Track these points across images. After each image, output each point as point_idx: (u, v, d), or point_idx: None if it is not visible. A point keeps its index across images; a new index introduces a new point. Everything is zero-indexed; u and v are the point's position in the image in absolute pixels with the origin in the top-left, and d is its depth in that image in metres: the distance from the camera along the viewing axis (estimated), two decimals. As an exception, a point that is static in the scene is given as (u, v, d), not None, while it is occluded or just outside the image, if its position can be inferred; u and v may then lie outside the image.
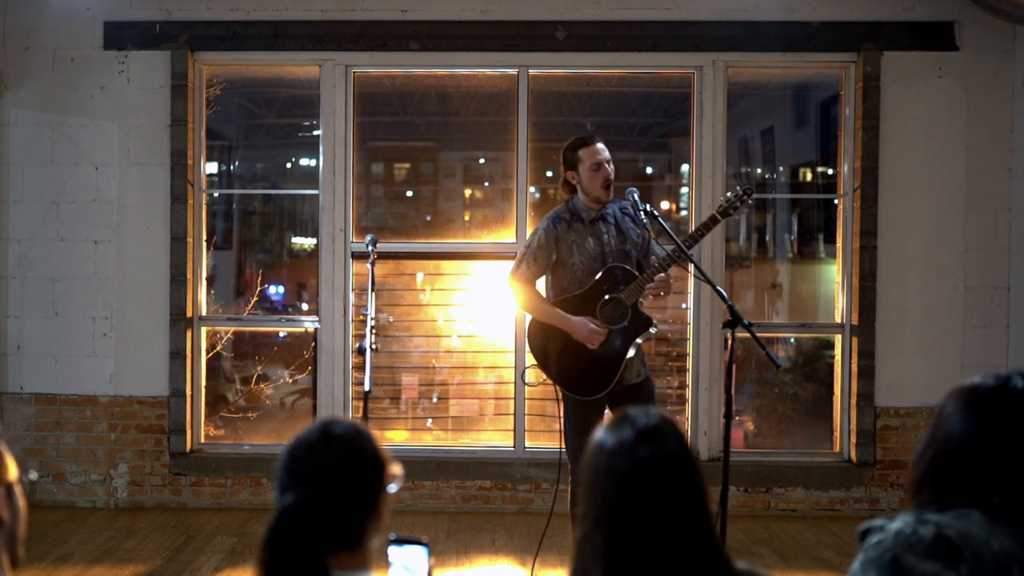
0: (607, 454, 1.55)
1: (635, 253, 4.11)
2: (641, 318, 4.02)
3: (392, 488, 1.68)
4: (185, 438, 5.65)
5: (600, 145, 4.07)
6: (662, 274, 3.95)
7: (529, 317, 4.23)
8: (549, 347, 4.05)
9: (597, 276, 4.01)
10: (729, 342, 4.16)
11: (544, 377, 4.14)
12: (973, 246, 5.58)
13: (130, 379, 5.65)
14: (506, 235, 5.84)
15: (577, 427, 3.98)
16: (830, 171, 6.03)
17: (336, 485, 1.61)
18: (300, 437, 1.68)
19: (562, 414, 4.10)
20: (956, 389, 1.57)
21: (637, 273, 4.01)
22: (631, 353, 4.02)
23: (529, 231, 5.73)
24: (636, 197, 4.13)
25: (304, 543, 1.56)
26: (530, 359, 4.29)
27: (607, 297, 4.00)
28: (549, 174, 6.54)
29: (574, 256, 4.05)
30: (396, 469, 1.70)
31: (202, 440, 5.79)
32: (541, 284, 4.27)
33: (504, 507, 5.61)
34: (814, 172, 6.50)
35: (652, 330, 4.04)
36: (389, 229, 6.39)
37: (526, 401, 5.73)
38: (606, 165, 4.05)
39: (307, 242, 6.81)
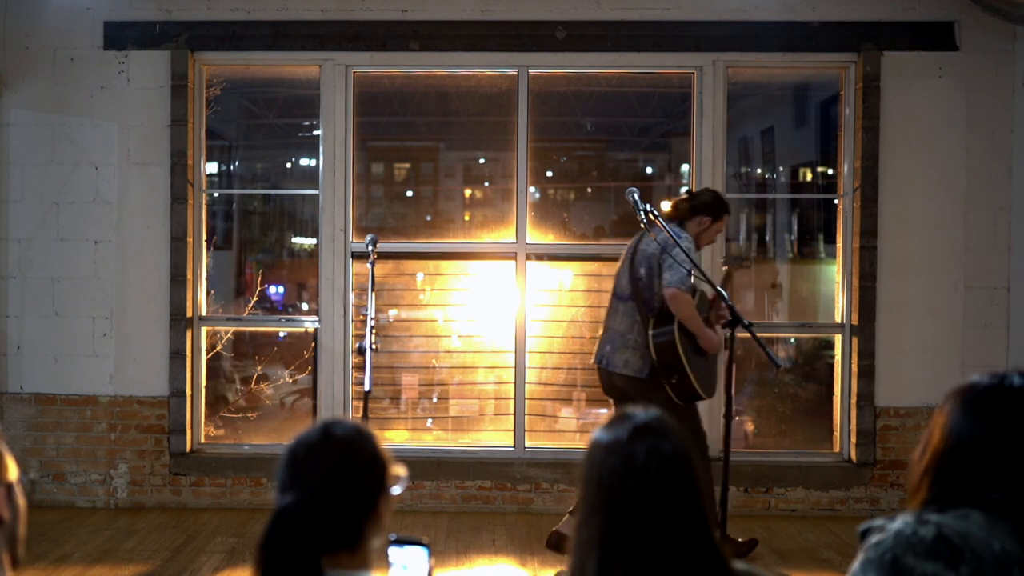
0: (603, 449, 1.57)
1: None
2: None
3: (395, 490, 1.68)
4: (185, 438, 5.65)
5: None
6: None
7: (661, 325, 4.37)
8: (689, 348, 4.35)
9: (696, 296, 4.46)
10: (729, 342, 4.18)
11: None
12: (973, 246, 5.58)
13: (130, 379, 5.65)
14: (506, 235, 5.84)
15: (693, 422, 4.45)
16: (830, 171, 6.03)
17: (335, 485, 1.61)
18: (301, 437, 1.68)
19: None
20: (954, 389, 1.58)
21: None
22: None
23: (530, 231, 5.74)
24: (636, 197, 4.14)
25: (300, 544, 1.56)
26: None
27: (704, 316, 4.45)
28: (549, 174, 6.54)
29: None
30: (399, 471, 1.70)
31: (202, 440, 5.79)
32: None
33: (504, 507, 5.61)
34: (814, 172, 6.50)
35: None
36: (389, 229, 6.40)
37: (526, 401, 5.73)
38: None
39: (307, 242, 6.81)
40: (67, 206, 5.65)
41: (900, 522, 1.48)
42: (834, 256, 5.87)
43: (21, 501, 1.91)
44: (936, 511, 1.49)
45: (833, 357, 5.86)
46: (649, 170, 7.15)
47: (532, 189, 5.96)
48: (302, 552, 1.56)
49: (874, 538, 1.49)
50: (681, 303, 4.29)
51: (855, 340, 5.62)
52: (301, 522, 1.57)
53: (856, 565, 1.49)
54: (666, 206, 4.69)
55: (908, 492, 1.59)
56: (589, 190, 6.92)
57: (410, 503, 5.57)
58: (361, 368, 4.12)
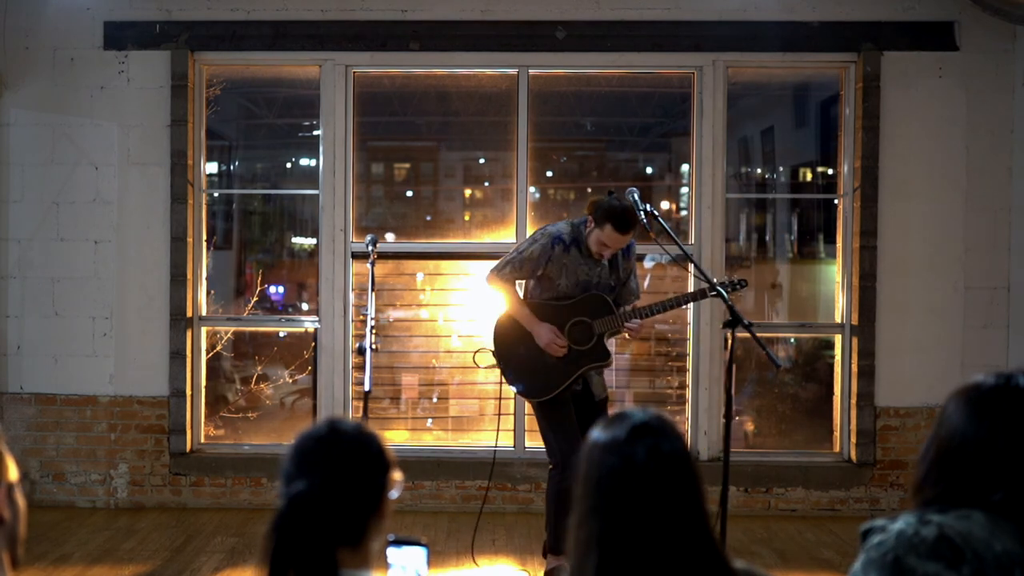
0: (600, 449, 1.57)
1: (617, 287, 4.33)
2: (602, 349, 4.24)
3: (393, 494, 1.68)
4: (185, 438, 5.65)
5: (620, 235, 4.06)
6: (637, 321, 4.18)
7: (499, 313, 4.40)
8: (510, 342, 4.29)
9: (579, 296, 4.22)
10: (729, 342, 4.17)
11: (493, 363, 4.40)
12: (973, 246, 5.58)
13: (130, 379, 5.65)
14: (506, 235, 5.84)
15: (549, 423, 4.26)
16: (830, 171, 6.03)
17: (344, 477, 1.62)
18: (307, 432, 1.68)
19: (533, 411, 4.41)
20: (958, 388, 1.57)
21: (615, 310, 4.22)
22: (593, 376, 4.31)
23: (530, 231, 5.73)
24: (636, 197, 4.13)
25: (313, 532, 1.56)
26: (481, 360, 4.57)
27: (580, 319, 4.21)
28: (549, 174, 6.54)
29: (562, 277, 4.23)
30: (397, 475, 1.70)
31: (202, 440, 5.79)
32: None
33: (504, 507, 5.61)
34: (814, 172, 6.50)
35: (606, 363, 4.28)
36: (389, 229, 6.39)
37: (526, 401, 5.72)
38: (608, 250, 4.15)
39: (307, 242, 6.80)
40: (67, 206, 5.65)
41: (902, 522, 1.48)
42: (834, 256, 5.87)
43: (21, 501, 1.91)
44: (938, 511, 1.48)
45: (833, 357, 5.86)
46: (649, 170, 7.14)
47: (532, 189, 5.95)
48: (316, 540, 1.56)
49: (875, 538, 1.49)
50: (494, 287, 4.30)
51: (855, 340, 5.62)
52: (314, 508, 1.57)
53: (857, 565, 1.49)
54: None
55: (910, 491, 1.59)
56: (589, 190, 6.91)
57: (410, 503, 5.57)
58: (361, 368, 4.11)
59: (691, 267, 4.31)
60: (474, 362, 4.62)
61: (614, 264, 4.28)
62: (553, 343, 4.17)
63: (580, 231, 4.21)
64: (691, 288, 5.67)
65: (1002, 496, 1.47)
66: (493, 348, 4.36)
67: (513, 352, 4.27)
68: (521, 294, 4.40)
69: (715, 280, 4.13)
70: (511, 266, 4.24)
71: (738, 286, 4.15)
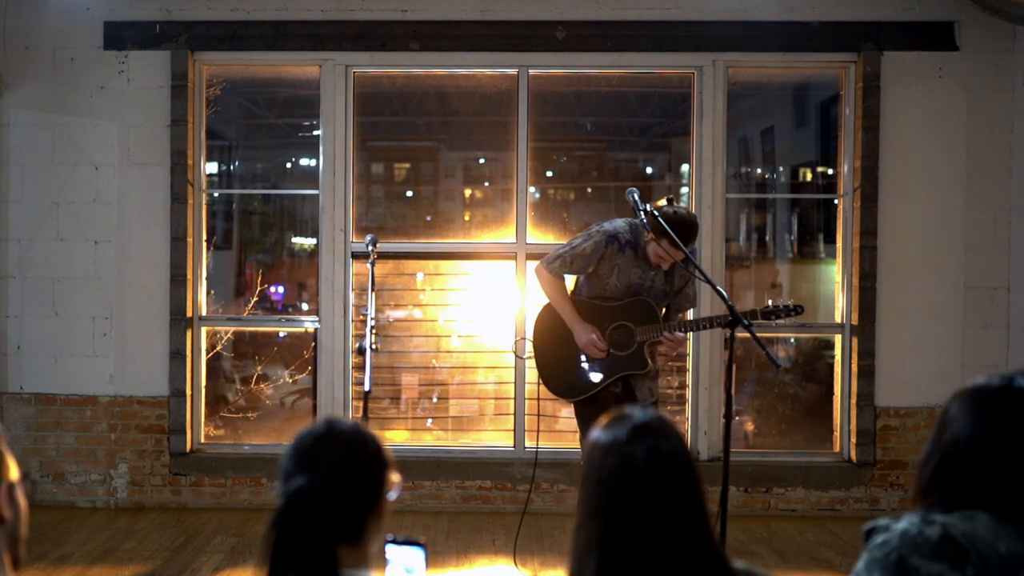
0: (601, 450, 1.57)
1: (671, 294, 4.19)
2: (640, 357, 4.09)
3: (392, 495, 1.68)
4: (185, 438, 5.65)
5: (679, 250, 3.87)
6: (680, 334, 4.05)
7: (543, 303, 4.33)
8: (548, 336, 4.21)
9: (626, 300, 4.11)
10: (729, 342, 4.17)
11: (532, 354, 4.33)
12: (973, 246, 5.58)
13: (130, 379, 5.65)
14: (506, 235, 5.84)
15: (587, 424, 4.15)
16: (830, 171, 6.03)
17: (342, 474, 1.62)
18: (305, 431, 1.69)
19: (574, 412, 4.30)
20: (961, 390, 1.57)
21: (660, 319, 4.09)
22: (638, 381, 4.15)
23: (530, 231, 5.74)
24: (636, 197, 4.13)
25: (312, 528, 1.56)
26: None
27: (623, 323, 4.09)
28: (549, 174, 6.54)
29: (612, 277, 4.12)
30: (396, 476, 1.71)
31: (202, 440, 5.79)
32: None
33: (504, 507, 5.61)
34: (814, 172, 6.50)
35: (642, 372, 4.11)
36: (389, 229, 6.39)
37: (526, 401, 5.72)
38: (666, 262, 4.04)
39: (307, 242, 6.80)
40: (67, 206, 5.65)
41: (906, 522, 1.48)
42: (834, 256, 5.87)
43: (23, 501, 1.91)
44: (942, 511, 1.48)
45: (833, 357, 5.86)
46: (649, 170, 7.14)
47: (532, 189, 5.96)
48: (317, 536, 1.56)
49: (879, 538, 1.49)
50: (540, 280, 4.20)
51: (855, 340, 5.62)
52: (313, 503, 1.58)
53: (861, 564, 1.49)
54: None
55: (914, 492, 1.58)
56: (589, 190, 6.92)
57: (410, 503, 5.57)
58: (361, 368, 4.12)
59: (691, 267, 4.29)
60: (513, 351, 4.57)
61: (671, 270, 4.14)
62: (593, 344, 4.06)
63: (640, 232, 4.06)
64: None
65: (1007, 498, 1.47)
66: (532, 340, 4.30)
67: (549, 347, 4.19)
68: (570, 288, 4.32)
69: (769, 304, 4.02)
70: (561, 260, 4.13)
71: (793, 312, 3.94)
